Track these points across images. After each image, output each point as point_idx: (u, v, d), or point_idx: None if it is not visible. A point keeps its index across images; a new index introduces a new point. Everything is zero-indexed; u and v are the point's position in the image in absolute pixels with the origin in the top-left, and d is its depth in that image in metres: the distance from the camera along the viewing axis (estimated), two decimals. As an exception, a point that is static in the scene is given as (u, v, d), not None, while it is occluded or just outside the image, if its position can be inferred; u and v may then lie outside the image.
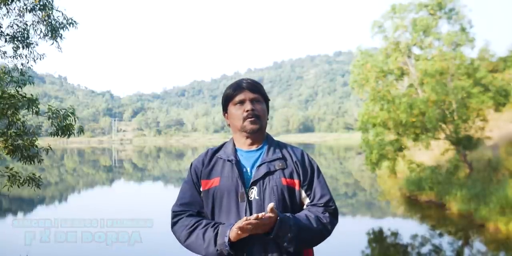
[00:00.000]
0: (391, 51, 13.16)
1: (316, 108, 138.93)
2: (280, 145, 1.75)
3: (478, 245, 8.33)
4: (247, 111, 1.66)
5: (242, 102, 1.68)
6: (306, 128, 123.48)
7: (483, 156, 12.42)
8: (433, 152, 13.54)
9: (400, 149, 12.54)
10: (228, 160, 1.67)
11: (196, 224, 1.61)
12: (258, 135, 1.71)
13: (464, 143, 11.36)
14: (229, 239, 1.50)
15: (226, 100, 1.73)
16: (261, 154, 1.70)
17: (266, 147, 1.71)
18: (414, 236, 8.91)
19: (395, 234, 9.30)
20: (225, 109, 1.76)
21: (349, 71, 14.80)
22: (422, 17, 12.51)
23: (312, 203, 1.66)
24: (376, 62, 13.03)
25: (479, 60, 13.35)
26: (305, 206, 1.67)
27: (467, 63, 11.79)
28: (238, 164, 1.66)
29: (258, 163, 1.66)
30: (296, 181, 1.65)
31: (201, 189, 1.69)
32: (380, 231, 9.52)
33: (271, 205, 1.47)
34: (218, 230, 1.55)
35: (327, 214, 1.64)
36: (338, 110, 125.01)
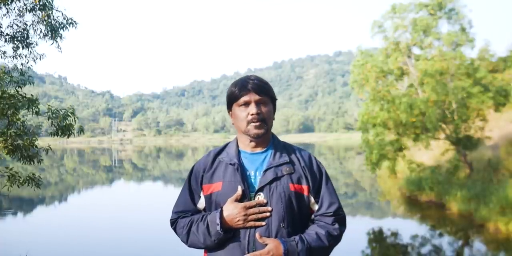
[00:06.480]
0: (391, 51, 13.16)
1: (316, 108, 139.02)
2: (287, 148, 1.65)
3: (478, 245, 8.33)
4: (252, 114, 1.55)
5: (247, 104, 1.57)
6: (306, 128, 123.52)
7: (483, 156, 12.41)
8: (433, 152, 13.54)
9: (400, 149, 12.53)
10: (231, 164, 1.58)
11: (189, 223, 1.58)
12: (264, 138, 1.61)
13: (464, 143, 11.37)
14: (221, 225, 1.49)
15: (231, 99, 1.62)
16: (266, 157, 1.61)
17: (272, 150, 1.62)
18: (414, 236, 8.90)
19: (395, 234, 9.29)
20: (229, 107, 1.65)
21: (349, 71, 14.79)
22: (422, 17, 12.50)
23: (320, 212, 1.59)
24: (376, 62, 13.02)
25: (479, 60, 13.33)
26: (313, 216, 1.61)
27: (467, 63, 11.79)
28: (242, 168, 1.57)
29: (264, 168, 1.57)
30: (305, 186, 1.57)
31: (201, 194, 1.63)
32: (380, 231, 9.52)
33: (257, 236, 1.47)
34: (207, 221, 1.53)
35: (336, 225, 1.58)
36: (338, 110, 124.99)
